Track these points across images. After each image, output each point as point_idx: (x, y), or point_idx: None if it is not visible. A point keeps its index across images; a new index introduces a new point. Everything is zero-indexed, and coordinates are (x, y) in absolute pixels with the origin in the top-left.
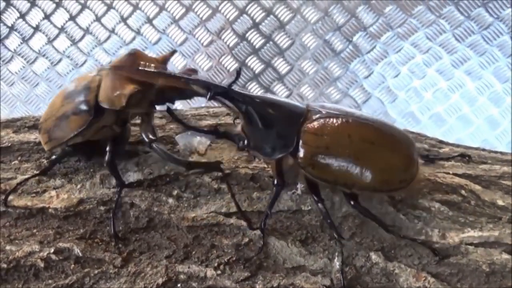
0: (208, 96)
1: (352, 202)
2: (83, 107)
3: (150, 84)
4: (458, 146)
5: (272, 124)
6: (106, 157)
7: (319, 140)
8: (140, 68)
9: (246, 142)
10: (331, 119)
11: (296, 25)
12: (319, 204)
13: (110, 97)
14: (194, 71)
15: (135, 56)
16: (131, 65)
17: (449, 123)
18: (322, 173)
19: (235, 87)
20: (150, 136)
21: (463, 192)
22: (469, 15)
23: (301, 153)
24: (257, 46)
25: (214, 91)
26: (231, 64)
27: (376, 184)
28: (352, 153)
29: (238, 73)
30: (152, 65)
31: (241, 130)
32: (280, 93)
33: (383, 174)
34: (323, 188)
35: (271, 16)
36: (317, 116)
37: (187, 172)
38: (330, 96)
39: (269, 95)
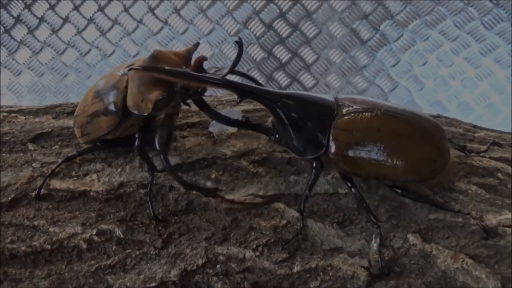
0: (238, 100)
1: (399, 191)
2: (112, 108)
3: (176, 86)
4: (493, 131)
5: (302, 124)
6: (136, 143)
7: (349, 136)
8: (166, 69)
9: (278, 137)
10: (360, 114)
11: (323, 14)
12: (353, 190)
13: (137, 103)
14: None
15: (158, 57)
16: (155, 67)
17: (477, 112)
18: (353, 167)
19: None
20: (161, 146)
21: (499, 175)
22: (498, 3)
23: (332, 149)
24: (284, 35)
25: (242, 92)
26: (258, 54)
27: (407, 175)
28: (382, 147)
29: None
30: (178, 65)
31: (272, 126)
32: (306, 82)
33: (413, 165)
34: None
35: (298, 5)
36: (346, 111)
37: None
38: (357, 85)
39: (298, 92)
